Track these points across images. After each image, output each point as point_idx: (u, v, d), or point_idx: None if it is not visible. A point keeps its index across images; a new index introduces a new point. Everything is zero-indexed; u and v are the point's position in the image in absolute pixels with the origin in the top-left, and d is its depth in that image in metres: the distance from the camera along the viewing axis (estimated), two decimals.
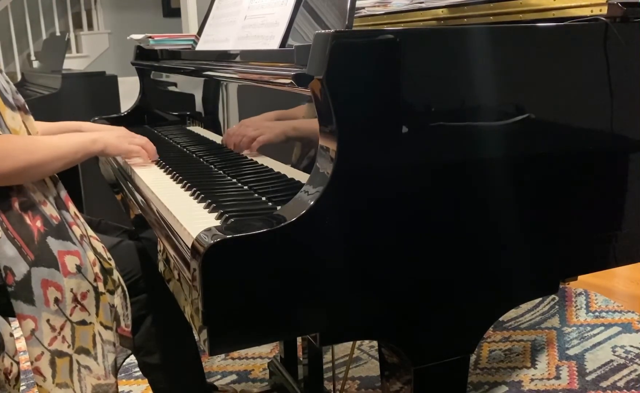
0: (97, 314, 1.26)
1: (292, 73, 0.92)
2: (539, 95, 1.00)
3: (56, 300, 1.21)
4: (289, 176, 1.13)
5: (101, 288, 1.27)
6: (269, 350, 2.24)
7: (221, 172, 1.34)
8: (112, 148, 1.38)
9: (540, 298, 2.51)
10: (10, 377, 1.24)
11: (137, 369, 1.60)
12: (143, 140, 1.48)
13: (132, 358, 1.52)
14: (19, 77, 4.43)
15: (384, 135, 0.89)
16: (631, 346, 2.17)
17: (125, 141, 1.43)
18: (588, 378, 1.99)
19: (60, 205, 1.30)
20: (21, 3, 5.03)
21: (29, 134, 1.32)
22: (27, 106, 1.35)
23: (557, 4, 1.09)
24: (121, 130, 1.50)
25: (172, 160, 1.47)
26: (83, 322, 1.25)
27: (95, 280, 1.26)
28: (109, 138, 1.38)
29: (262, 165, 1.24)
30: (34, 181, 1.27)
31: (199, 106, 1.69)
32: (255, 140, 1.27)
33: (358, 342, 2.19)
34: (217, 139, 1.54)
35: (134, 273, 1.42)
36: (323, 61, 0.85)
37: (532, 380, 2.00)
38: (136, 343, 1.44)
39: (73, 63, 5.03)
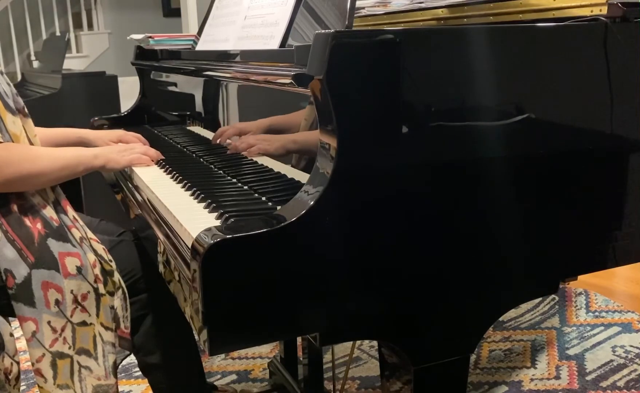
0: (97, 315, 1.27)
1: (292, 73, 0.92)
2: (538, 95, 1.00)
3: (57, 302, 1.21)
4: (289, 176, 1.13)
5: (101, 289, 1.27)
6: (269, 350, 2.24)
7: (221, 172, 1.34)
8: (113, 163, 1.39)
9: (540, 298, 2.51)
10: (10, 377, 1.24)
11: (137, 369, 1.60)
12: (142, 148, 1.49)
13: (132, 358, 1.52)
14: (19, 77, 4.43)
15: (384, 135, 0.89)
16: (631, 346, 2.17)
17: (126, 154, 1.44)
18: (588, 378, 1.99)
19: (59, 210, 1.30)
20: (21, 3, 5.02)
21: (28, 137, 1.32)
22: (26, 109, 1.35)
23: (557, 4, 1.09)
24: (120, 145, 1.52)
25: (172, 160, 1.47)
26: (84, 323, 1.25)
27: (95, 281, 1.26)
28: (109, 153, 1.40)
29: (262, 165, 1.24)
30: (35, 190, 1.27)
31: (199, 106, 1.69)
32: (254, 147, 1.27)
33: (358, 342, 2.18)
34: None
35: (134, 273, 1.42)
36: (323, 61, 0.85)
37: (532, 380, 2.00)
38: (136, 343, 1.44)
39: (73, 63, 5.03)
